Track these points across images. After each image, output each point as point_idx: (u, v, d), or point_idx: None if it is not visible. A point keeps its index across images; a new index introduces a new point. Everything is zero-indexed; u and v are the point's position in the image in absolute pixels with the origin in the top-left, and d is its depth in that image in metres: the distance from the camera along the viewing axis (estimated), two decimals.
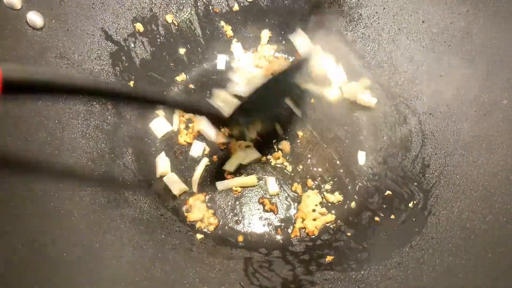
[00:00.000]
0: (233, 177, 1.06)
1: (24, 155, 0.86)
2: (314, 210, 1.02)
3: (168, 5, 1.18)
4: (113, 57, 1.10)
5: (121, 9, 1.11)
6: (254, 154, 1.09)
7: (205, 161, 1.08)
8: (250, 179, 1.06)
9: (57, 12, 0.98)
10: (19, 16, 0.91)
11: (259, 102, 1.01)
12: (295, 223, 1.01)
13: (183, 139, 1.10)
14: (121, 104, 1.08)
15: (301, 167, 1.09)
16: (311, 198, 1.04)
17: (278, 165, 1.10)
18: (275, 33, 1.27)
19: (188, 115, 1.15)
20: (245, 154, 1.09)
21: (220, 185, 1.05)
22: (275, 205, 1.03)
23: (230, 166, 1.07)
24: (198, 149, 1.10)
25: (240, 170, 1.09)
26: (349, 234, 0.99)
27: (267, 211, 1.03)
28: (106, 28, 1.08)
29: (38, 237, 0.78)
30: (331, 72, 1.19)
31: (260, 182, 1.07)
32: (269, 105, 1.07)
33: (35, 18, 0.93)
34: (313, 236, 0.99)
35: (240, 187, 1.05)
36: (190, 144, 1.11)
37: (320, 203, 1.04)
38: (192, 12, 1.21)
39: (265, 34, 1.26)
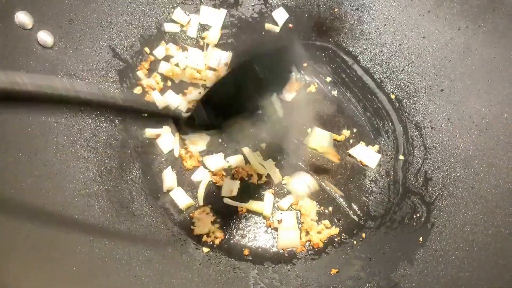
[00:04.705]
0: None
1: (33, 170, 0.88)
2: (315, 220, 1.04)
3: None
4: (121, 74, 1.12)
5: (128, 27, 1.14)
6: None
7: (209, 175, 1.09)
8: (258, 206, 1.05)
9: (66, 31, 1.01)
10: (30, 36, 0.93)
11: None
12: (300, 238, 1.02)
13: (188, 163, 1.10)
14: (128, 120, 1.10)
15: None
16: (308, 205, 1.05)
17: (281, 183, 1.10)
18: None
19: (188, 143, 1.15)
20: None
21: (227, 201, 1.06)
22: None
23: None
24: (200, 174, 1.10)
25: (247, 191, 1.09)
26: (353, 246, 1.00)
27: (270, 226, 1.04)
28: (114, 46, 1.11)
29: (49, 251, 0.79)
30: None
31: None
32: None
33: (45, 37, 0.96)
34: (318, 249, 1.00)
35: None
36: (195, 168, 1.11)
37: (320, 213, 1.05)
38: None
39: None
